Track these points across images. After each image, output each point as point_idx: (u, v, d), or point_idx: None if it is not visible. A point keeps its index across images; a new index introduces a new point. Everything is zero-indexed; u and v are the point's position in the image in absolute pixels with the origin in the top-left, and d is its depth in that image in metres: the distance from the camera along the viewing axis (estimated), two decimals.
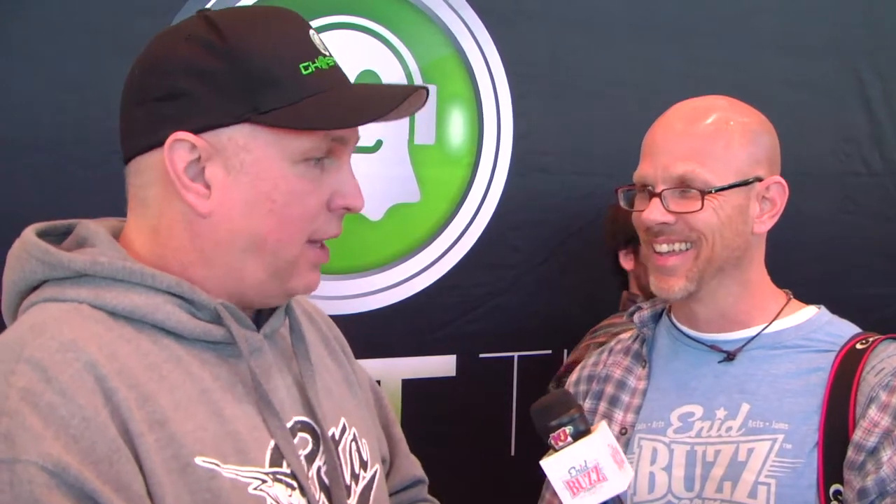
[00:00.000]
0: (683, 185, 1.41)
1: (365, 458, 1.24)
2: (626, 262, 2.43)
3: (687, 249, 1.44)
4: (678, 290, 1.45)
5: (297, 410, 1.15)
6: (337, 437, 1.19)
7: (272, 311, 1.19)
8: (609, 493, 1.15)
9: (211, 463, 1.00)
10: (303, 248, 1.11)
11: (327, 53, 1.10)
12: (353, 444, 1.23)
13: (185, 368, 1.04)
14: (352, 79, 1.13)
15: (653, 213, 1.43)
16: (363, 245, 2.39)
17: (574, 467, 1.15)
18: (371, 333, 2.37)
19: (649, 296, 2.29)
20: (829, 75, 2.96)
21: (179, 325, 1.05)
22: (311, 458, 1.13)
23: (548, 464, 1.17)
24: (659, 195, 1.42)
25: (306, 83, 1.06)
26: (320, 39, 1.11)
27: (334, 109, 1.07)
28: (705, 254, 1.43)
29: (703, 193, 1.40)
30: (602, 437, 1.17)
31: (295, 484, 1.07)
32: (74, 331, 0.98)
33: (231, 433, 1.03)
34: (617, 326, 2.31)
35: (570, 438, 1.16)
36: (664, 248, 1.45)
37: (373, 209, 2.41)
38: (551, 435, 1.17)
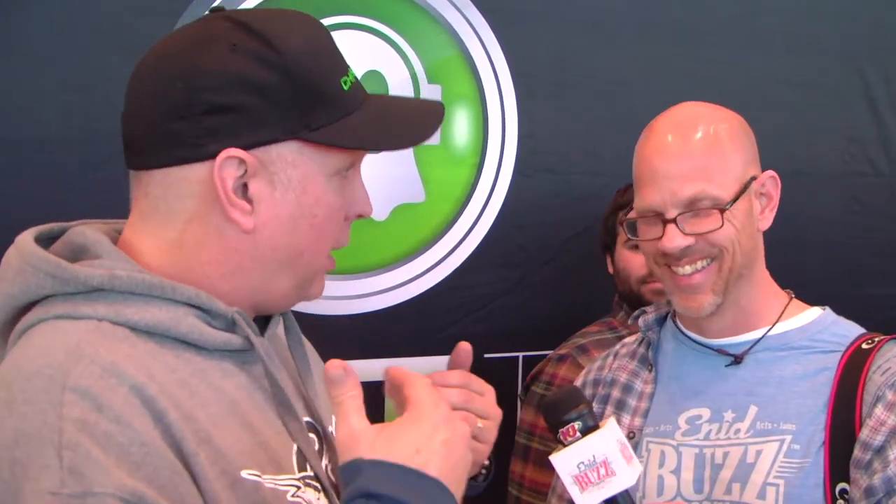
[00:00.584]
0: (694, 207, 1.40)
1: None
2: (610, 267, 2.42)
3: (709, 265, 1.43)
4: (708, 306, 1.45)
5: (303, 411, 1.15)
6: (333, 434, 1.19)
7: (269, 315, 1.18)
8: (618, 488, 1.15)
9: (254, 475, 1.00)
10: (325, 258, 1.12)
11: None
12: None
13: (209, 382, 1.02)
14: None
15: (674, 240, 1.41)
16: (368, 245, 2.38)
17: (583, 462, 1.15)
18: (376, 333, 2.37)
19: (628, 299, 2.29)
20: (833, 75, 2.95)
21: (202, 337, 1.03)
22: (319, 457, 1.13)
23: (557, 459, 1.17)
24: (674, 221, 1.41)
25: (346, 99, 1.06)
26: None
27: (382, 129, 1.08)
28: (727, 265, 1.43)
29: (722, 211, 1.39)
30: (610, 432, 1.18)
31: (319, 486, 1.08)
32: (111, 352, 0.95)
33: (262, 443, 1.03)
34: (587, 336, 2.29)
35: (578, 434, 1.17)
36: (688, 269, 1.44)
37: (377, 209, 2.40)
38: (560, 430, 1.18)
